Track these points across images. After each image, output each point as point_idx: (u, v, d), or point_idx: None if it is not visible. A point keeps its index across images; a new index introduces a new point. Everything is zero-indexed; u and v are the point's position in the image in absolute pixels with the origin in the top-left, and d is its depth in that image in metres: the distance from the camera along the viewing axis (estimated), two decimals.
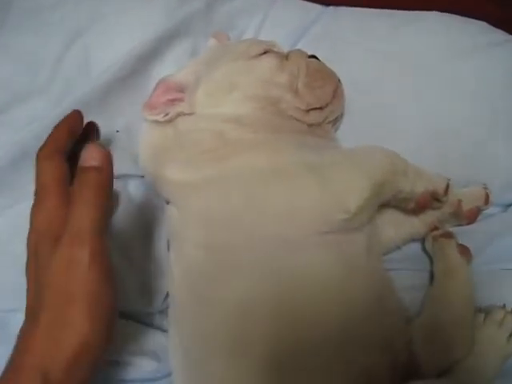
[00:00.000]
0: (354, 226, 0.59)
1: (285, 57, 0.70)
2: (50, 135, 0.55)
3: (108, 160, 0.50)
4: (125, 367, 0.62)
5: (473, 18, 0.81)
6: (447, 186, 0.66)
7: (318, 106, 0.68)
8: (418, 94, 0.76)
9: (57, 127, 0.56)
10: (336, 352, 0.55)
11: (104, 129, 0.67)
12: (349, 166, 0.60)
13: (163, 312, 0.66)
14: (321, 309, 0.55)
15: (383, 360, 0.57)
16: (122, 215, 0.68)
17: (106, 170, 0.49)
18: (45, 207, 0.49)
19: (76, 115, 0.59)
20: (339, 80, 0.71)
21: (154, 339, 0.63)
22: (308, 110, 0.67)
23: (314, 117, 0.68)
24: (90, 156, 0.49)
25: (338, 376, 0.54)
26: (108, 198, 0.49)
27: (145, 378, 0.62)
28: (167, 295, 0.66)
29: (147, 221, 0.69)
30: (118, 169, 0.66)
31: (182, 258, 0.62)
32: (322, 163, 0.59)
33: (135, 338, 0.64)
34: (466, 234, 0.72)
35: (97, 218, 0.47)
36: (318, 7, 0.87)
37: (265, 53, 0.68)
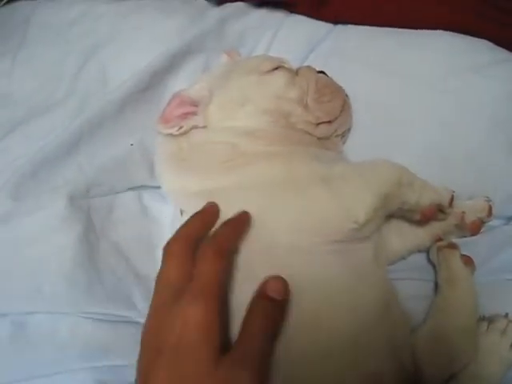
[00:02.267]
0: (362, 236, 0.61)
1: (295, 73, 0.72)
2: (182, 227, 0.57)
3: (287, 293, 0.53)
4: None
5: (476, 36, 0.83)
6: (452, 198, 0.67)
7: (326, 119, 0.70)
8: (422, 110, 0.78)
9: (191, 221, 0.58)
10: (347, 358, 0.56)
11: (119, 141, 0.69)
12: (358, 177, 0.62)
13: None
14: (331, 315, 0.56)
15: (392, 367, 0.59)
16: (134, 227, 0.70)
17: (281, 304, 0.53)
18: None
19: (212, 209, 0.60)
20: (347, 95, 0.74)
21: None
22: (317, 124, 0.70)
23: (323, 130, 0.70)
24: (273, 287, 0.52)
25: (348, 380, 0.55)
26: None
27: None
28: None
29: (159, 231, 0.71)
30: (133, 180, 0.70)
31: None
32: (333, 175, 0.61)
33: None
34: (469, 246, 0.73)
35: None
36: (326, 25, 0.89)
37: (277, 68, 0.70)
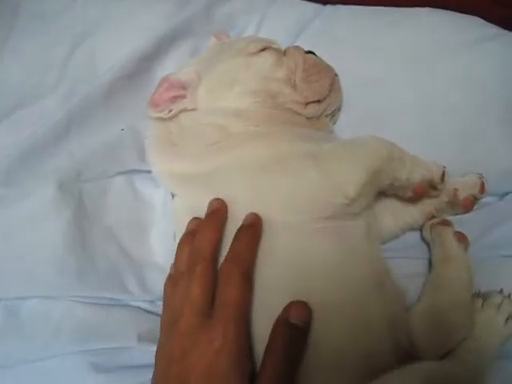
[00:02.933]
0: (353, 212, 0.61)
1: (283, 53, 0.72)
2: (198, 241, 0.58)
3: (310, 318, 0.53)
4: (131, 352, 0.64)
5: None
6: (443, 174, 0.67)
7: (315, 99, 0.70)
8: (413, 87, 0.78)
9: (205, 233, 0.59)
10: (345, 334, 0.56)
11: (109, 127, 0.69)
12: (346, 153, 0.62)
13: None
14: (323, 291, 0.57)
15: (386, 345, 0.59)
16: (126, 211, 0.71)
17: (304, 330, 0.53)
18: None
19: (220, 212, 0.61)
20: (336, 74, 0.74)
21: (157, 325, 0.65)
22: (306, 104, 0.70)
23: (311, 110, 0.70)
24: (296, 314, 0.53)
25: (345, 360, 0.56)
26: None
27: (151, 364, 0.63)
28: None
29: (151, 215, 0.72)
30: (124, 165, 0.70)
31: None
32: (321, 152, 0.61)
33: (142, 325, 0.65)
34: (463, 223, 0.73)
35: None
36: (315, 6, 0.89)
37: (264, 49, 0.70)
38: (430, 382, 0.56)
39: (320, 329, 0.55)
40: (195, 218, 0.62)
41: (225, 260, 0.55)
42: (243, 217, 0.59)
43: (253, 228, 0.57)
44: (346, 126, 0.77)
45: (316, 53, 0.75)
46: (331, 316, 0.56)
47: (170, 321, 0.55)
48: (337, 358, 0.55)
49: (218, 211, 0.60)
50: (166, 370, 0.51)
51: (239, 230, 0.57)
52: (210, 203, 0.60)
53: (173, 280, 0.59)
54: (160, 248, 0.70)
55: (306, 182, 0.60)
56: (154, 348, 0.61)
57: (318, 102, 0.70)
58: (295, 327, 0.52)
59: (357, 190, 0.59)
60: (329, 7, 0.89)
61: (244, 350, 0.51)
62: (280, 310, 0.54)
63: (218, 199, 0.60)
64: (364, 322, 0.58)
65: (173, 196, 0.70)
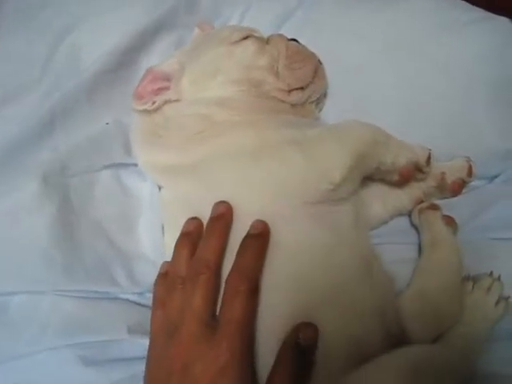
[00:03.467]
0: (339, 197, 0.61)
1: (265, 41, 0.72)
2: (203, 249, 0.57)
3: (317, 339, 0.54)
4: (121, 345, 0.64)
5: None
6: (429, 156, 0.67)
7: (298, 86, 0.70)
8: (398, 71, 0.78)
9: (210, 241, 0.58)
10: (331, 323, 0.56)
11: (94, 121, 0.69)
12: (331, 138, 0.62)
13: None
14: (310, 276, 0.57)
15: (377, 332, 0.59)
16: (113, 204, 0.71)
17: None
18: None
19: (223, 219, 0.59)
20: (319, 61, 0.73)
21: (147, 318, 0.65)
22: (290, 91, 0.70)
23: (296, 97, 0.70)
24: (305, 336, 0.53)
25: (334, 347, 0.55)
26: None
27: (140, 356, 0.63)
28: None
29: (138, 208, 0.72)
30: (110, 158, 0.70)
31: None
32: (306, 138, 0.61)
33: (131, 317, 0.65)
34: (452, 207, 0.73)
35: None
36: None
37: (246, 38, 0.70)
38: (418, 365, 0.56)
39: (310, 316, 0.55)
40: (193, 218, 0.61)
41: (231, 272, 0.54)
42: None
43: (260, 238, 0.56)
44: (332, 112, 0.77)
45: (300, 41, 0.75)
46: (321, 303, 0.56)
47: (167, 328, 0.55)
48: (327, 345, 0.55)
49: (224, 216, 0.58)
50: (164, 381, 0.51)
51: (246, 239, 0.56)
52: (215, 206, 0.59)
53: (169, 283, 0.58)
54: (148, 240, 0.70)
55: (292, 169, 0.60)
56: (144, 340, 0.61)
57: (302, 88, 0.70)
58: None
59: (342, 174, 0.59)
60: None
61: (249, 367, 0.51)
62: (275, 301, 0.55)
63: (223, 202, 0.59)
64: (354, 309, 0.58)
65: (160, 188, 0.70)
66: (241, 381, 0.49)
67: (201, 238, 0.59)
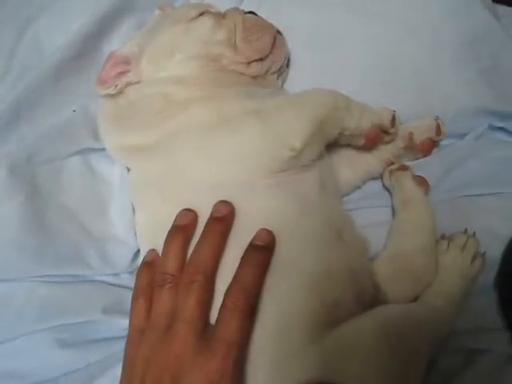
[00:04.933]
0: (302, 164, 0.61)
1: (222, 16, 0.72)
2: (196, 256, 0.55)
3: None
4: (97, 326, 0.64)
5: None
6: (393, 117, 0.67)
7: (257, 57, 0.70)
8: (362, 36, 0.77)
9: (204, 250, 0.55)
10: (302, 287, 0.56)
11: (60, 109, 0.70)
12: (290, 106, 0.62)
13: (133, 272, 0.69)
14: (281, 246, 0.56)
15: (349, 294, 0.59)
16: (83, 189, 0.72)
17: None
18: None
19: (220, 225, 0.57)
20: (279, 31, 0.73)
21: (123, 297, 0.65)
22: (249, 63, 0.70)
23: (255, 69, 0.70)
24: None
25: (307, 310, 0.55)
26: None
27: (117, 336, 0.65)
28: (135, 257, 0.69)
29: (109, 191, 0.72)
30: (78, 144, 0.70)
31: (148, 218, 0.65)
32: (265, 108, 0.61)
33: (106, 298, 0.66)
34: (424, 167, 0.74)
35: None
36: None
37: (202, 14, 0.70)
38: (390, 322, 0.57)
39: (281, 282, 0.55)
40: (187, 210, 0.59)
41: (231, 285, 0.52)
42: (193, 179, 0.60)
43: (265, 251, 0.55)
44: (296, 82, 0.77)
45: (261, 15, 0.75)
46: (291, 268, 0.56)
47: (152, 326, 0.54)
48: (299, 308, 0.55)
49: (224, 219, 0.56)
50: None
51: (251, 251, 0.54)
52: (216, 205, 0.57)
53: (158, 278, 0.56)
54: (120, 221, 0.70)
55: (252, 139, 0.60)
56: (121, 320, 0.62)
57: (261, 60, 0.70)
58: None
59: (302, 141, 0.59)
60: None
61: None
62: None
63: (226, 202, 0.57)
64: (325, 273, 0.58)
65: (128, 170, 0.70)
66: None
67: (194, 232, 0.57)
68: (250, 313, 0.51)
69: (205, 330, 0.51)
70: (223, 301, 0.51)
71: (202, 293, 0.52)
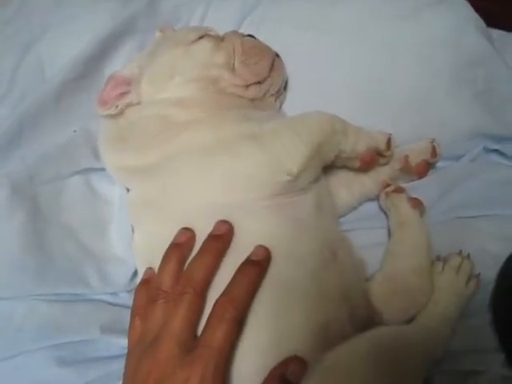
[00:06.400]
0: (299, 187, 0.62)
1: (221, 39, 0.73)
2: (191, 270, 0.56)
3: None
4: (96, 344, 0.65)
5: None
6: (389, 140, 0.68)
7: (255, 80, 0.71)
8: (357, 61, 0.78)
9: (198, 266, 0.57)
10: (295, 309, 0.57)
11: (61, 129, 0.71)
12: (287, 130, 0.63)
13: (131, 291, 0.69)
14: (274, 268, 0.57)
15: (341, 314, 0.60)
16: (84, 209, 0.73)
17: None
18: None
19: (216, 243, 0.58)
20: (277, 54, 0.75)
21: (122, 316, 0.66)
22: (247, 86, 0.71)
23: (253, 91, 0.71)
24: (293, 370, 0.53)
25: (301, 331, 0.56)
26: None
27: (115, 355, 0.65)
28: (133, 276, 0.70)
29: (109, 211, 0.73)
30: (79, 164, 0.71)
31: (147, 238, 0.66)
32: (263, 131, 0.62)
33: (104, 317, 0.67)
34: (419, 188, 0.75)
35: None
36: None
37: (201, 37, 0.71)
38: (384, 344, 0.57)
39: (275, 300, 0.56)
40: (185, 229, 0.60)
41: (222, 296, 0.53)
42: (192, 200, 0.61)
43: (259, 267, 0.55)
44: (294, 105, 0.78)
45: (259, 37, 0.76)
46: (285, 287, 0.57)
47: (143, 339, 0.55)
48: (293, 330, 0.56)
49: (222, 237, 0.57)
50: None
51: (245, 265, 0.55)
52: (217, 224, 0.58)
53: (152, 294, 0.57)
54: (119, 241, 0.71)
55: (250, 162, 0.61)
56: (119, 339, 0.63)
57: (259, 83, 0.71)
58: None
59: (299, 165, 0.60)
60: None
61: None
62: None
63: (225, 222, 0.58)
64: (318, 294, 0.59)
65: (127, 190, 0.71)
66: None
67: (191, 250, 0.58)
68: (237, 323, 0.52)
69: (190, 343, 0.51)
70: (212, 310, 0.52)
71: (191, 306, 0.53)
